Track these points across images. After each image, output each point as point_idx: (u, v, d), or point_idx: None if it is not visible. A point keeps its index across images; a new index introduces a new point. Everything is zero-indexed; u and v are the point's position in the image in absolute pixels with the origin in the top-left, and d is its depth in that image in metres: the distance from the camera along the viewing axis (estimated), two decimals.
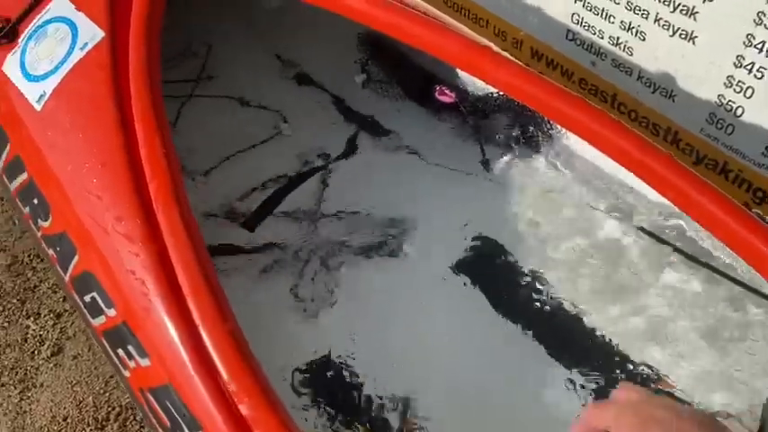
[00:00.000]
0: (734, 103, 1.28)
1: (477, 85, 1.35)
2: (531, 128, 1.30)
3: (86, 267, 0.99)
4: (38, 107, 1.07)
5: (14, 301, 2.02)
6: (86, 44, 1.07)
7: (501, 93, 1.29)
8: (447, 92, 1.32)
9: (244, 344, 0.86)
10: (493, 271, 1.26)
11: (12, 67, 1.12)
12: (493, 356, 1.19)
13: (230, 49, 1.45)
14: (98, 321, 0.99)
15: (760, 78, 1.20)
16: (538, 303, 1.25)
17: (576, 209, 1.29)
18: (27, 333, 1.96)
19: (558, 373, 1.17)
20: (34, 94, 1.08)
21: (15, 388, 1.86)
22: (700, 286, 1.18)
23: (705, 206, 0.93)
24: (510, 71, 1.07)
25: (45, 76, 1.08)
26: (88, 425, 1.80)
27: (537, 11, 1.59)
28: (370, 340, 1.19)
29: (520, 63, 1.11)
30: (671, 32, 1.36)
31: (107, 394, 1.85)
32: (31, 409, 1.83)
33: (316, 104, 1.53)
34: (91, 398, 1.84)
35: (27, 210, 1.09)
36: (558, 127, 1.29)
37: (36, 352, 1.93)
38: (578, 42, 1.52)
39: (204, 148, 1.44)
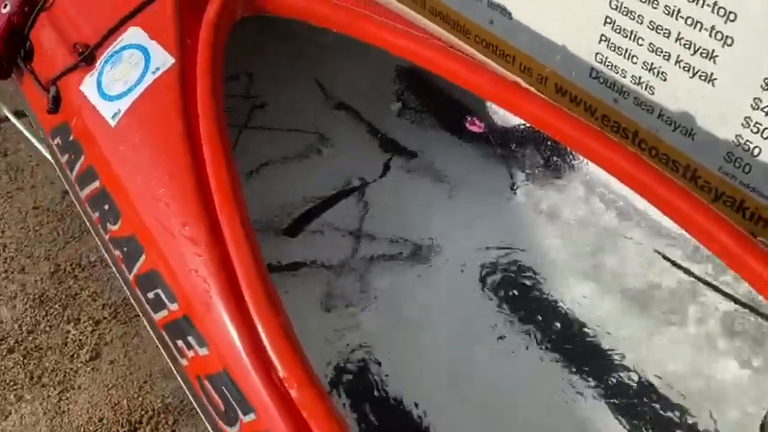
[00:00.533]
0: (751, 143, 1.37)
1: (505, 118, 1.46)
2: (555, 158, 1.41)
3: (152, 266, 1.10)
4: (112, 123, 1.20)
5: (56, 306, 2.13)
6: (158, 69, 1.20)
7: (527, 124, 1.40)
8: (477, 122, 1.43)
9: (294, 336, 0.96)
10: (518, 287, 1.35)
11: (89, 87, 1.25)
12: (515, 366, 1.28)
13: (272, 78, 1.57)
14: (160, 315, 1.10)
15: None
16: (558, 324, 1.34)
17: (596, 232, 1.38)
18: (67, 337, 2.06)
19: (578, 384, 1.25)
20: (109, 111, 1.21)
21: (55, 389, 1.96)
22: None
23: (720, 240, 1.02)
24: (536, 105, 1.18)
25: (120, 96, 1.20)
26: (122, 426, 1.89)
27: (562, 49, 1.71)
28: (398, 345, 1.29)
29: (545, 98, 1.23)
30: (691, 74, 1.46)
31: (140, 398, 1.94)
32: (69, 410, 1.92)
33: (353, 131, 1.66)
34: (125, 401, 1.93)
35: (96, 214, 1.21)
36: (580, 157, 1.40)
37: (75, 356, 2.03)
38: (601, 80, 1.63)
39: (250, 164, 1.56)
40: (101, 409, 1.92)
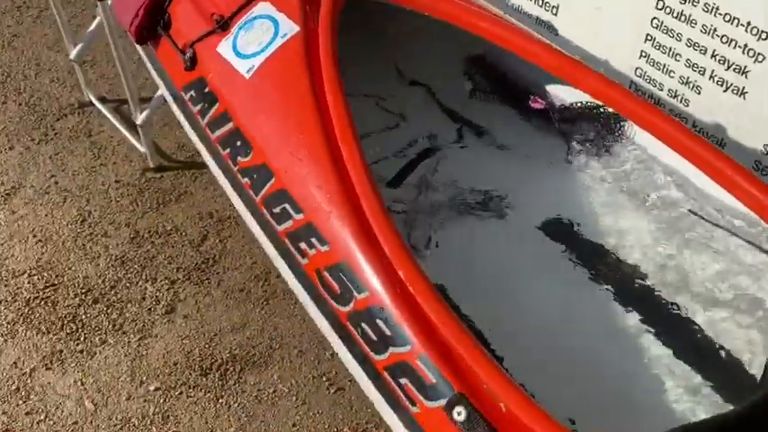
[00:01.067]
0: None
1: (562, 97, 1.73)
2: (606, 132, 1.67)
3: (281, 186, 1.35)
4: (246, 76, 1.46)
5: (135, 266, 2.37)
6: (286, 34, 1.47)
7: (582, 102, 1.66)
8: (539, 100, 1.69)
9: (396, 231, 1.20)
10: (574, 238, 1.59)
11: (225, 48, 1.52)
12: (572, 306, 1.49)
13: (353, 62, 1.83)
14: (284, 226, 1.34)
15: None
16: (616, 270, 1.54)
17: (639, 195, 1.63)
18: (145, 293, 2.29)
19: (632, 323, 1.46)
20: (244, 67, 1.47)
21: (134, 336, 2.18)
22: None
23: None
24: (596, 79, 1.45)
25: (254, 55, 1.47)
26: (194, 371, 2.10)
27: (604, 63, 1.96)
28: (463, 280, 1.51)
29: (603, 74, 1.49)
30: (724, 88, 1.67)
31: (210, 349, 2.16)
32: (147, 354, 2.14)
33: (428, 107, 1.93)
34: (197, 350, 2.15)
35: (227, 150, 1.46)
36: (628, 132, 1.66)
37: (152, 309, 2.26)
38: (640, 93, 1.87)
39: None
40: (175, 356, 2.14)
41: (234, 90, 1.48)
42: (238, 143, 1.44)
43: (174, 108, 1.68)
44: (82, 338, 2.17)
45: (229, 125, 1.46)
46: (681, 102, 1.83)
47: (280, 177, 1.36)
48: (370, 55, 1.85)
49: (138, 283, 2.32)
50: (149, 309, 2.26)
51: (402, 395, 1.12)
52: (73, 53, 2.72)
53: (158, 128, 2.76)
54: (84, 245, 2.42)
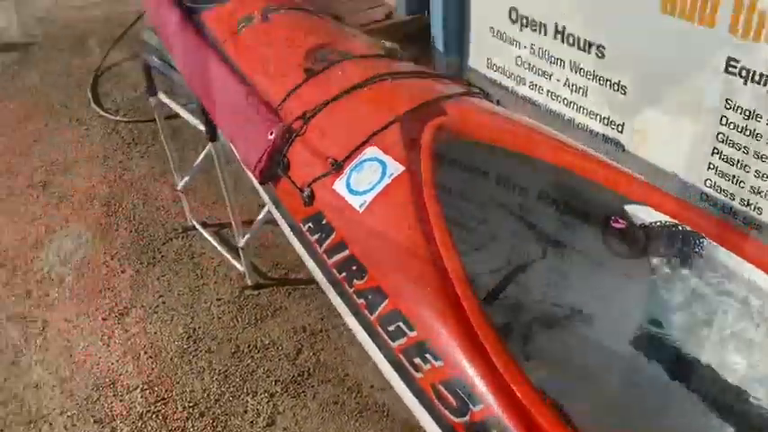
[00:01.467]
0: None
1: (640, 217, 1.89)
2: (685, 248, 1.81)
3: (394, 307, 1.52)
4: (360, 210, 1.69)
5: (237, 380, 2.54)
6: (392, 174, 1.70)
7: (662, 221, 1.82)
8: (620, 221, 1.86)
9: (506, 349, 1.35)
10: (660, 348, 1.71)
11: (340, 186, 1.76)
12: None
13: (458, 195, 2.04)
14: (398, 342, 1.50)
15: None
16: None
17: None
18: (247, 406, 2.45)
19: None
20: (357, 202, 1.70)
21: None
22: None
23: None
24: (672, 202, 1.62)
25: (365, 192, 1.70)
26: None
27: (673, 176, 2.13)
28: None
29: (677, 197, 1.66)
30: None
31: None
32: None
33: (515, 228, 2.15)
34: None
35: (343, 274, 1.66)
36: (706, 248, 1.79)
37: (254, 422, 2.40)
38: (712, 203, 2.02)
39: None
40: None
41: (349, 222, 1.69)
42: (354, 268, 1.63)
43: (293, 239, 1.90)
44: None
45: (345, 252, 1.67)
46: (754, 210, 1.96)
47: (393, 298, 1.54)
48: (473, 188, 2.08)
49: (239, 396, 2.48)
50: (251, 422, 2.40)
51: None
52: (180, 183, 3.05)
53: (253, 248, 3.01)
54: (190, 360, 2.62)
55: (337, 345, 2.63)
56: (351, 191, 1.73)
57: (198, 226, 3.14)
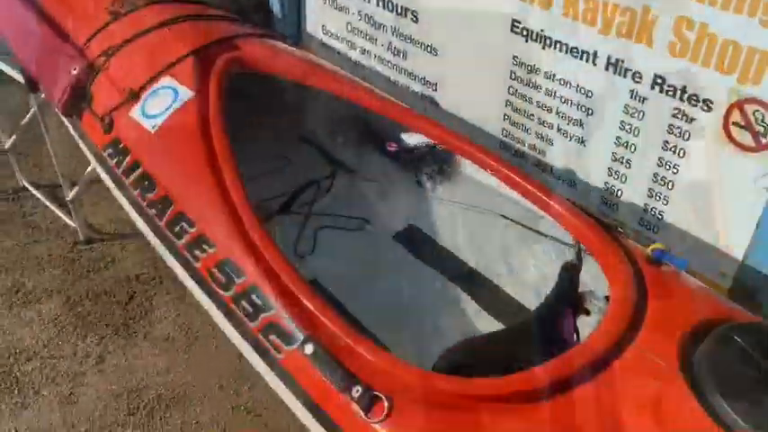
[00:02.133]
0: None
1: (410, 141, 2.19)
2: (445, 165, 2.12)
3: (179, 210, 1.69)
4: (152, 131, 1.83)
5: (68, 327, 2.59)
6: (183, 99, 1.86)
7: (426, 144, 2.13)
8: (393, 144, 2.13)
9: (263, 228, 1.57)
10: (421, 243, 2.00)
11: (136, 112, 1.89)
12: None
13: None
14: (183, 240, 1.66)
15: None
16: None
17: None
18: (77, 348, 2.51)
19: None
20: (150, 125, 1.84)
21: (66, 386, 2.37)
22: None
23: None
24: (438, 128, 1.92)
25: (157, 115, 1.84)
26: (122, 411, 2.30)
27: (479, 129, 2.42)
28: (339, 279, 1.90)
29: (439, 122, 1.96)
30: (568, 139, 2.13)
31: (138, 391, 2.37)
32: (78, 401, 2.33)
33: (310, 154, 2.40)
34: (125, 393, 2.36)
35: (137, 191, 1.79)
36: (461, 163, 2.12)
37: (83, 362, 2.47)
38: (509, 150, 2.33)
39: None
40: (104, 400, 2.34)
41: (142, 143, 1.83)
42: (146, 183, 1.78)
43: (98, 168, 2.02)
44: (16, 392, 2.36)
45: (139, 170, 1.81)
46: (539, 153, 2.27)
47: (177, 205, 1.70)
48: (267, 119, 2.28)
49: (69, 340, 2.54)
50: (81, 361, 2.47)
51: (271, 348, 1.43)
52: (8, 143, 3.04)
53: (88, 206, 3.05)
54: (18, 312, 2.64)
55: (170, 290, 2.74)
56: (145, 115, 1.87)
57: (28, 185, 3.14)
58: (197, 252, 1.62)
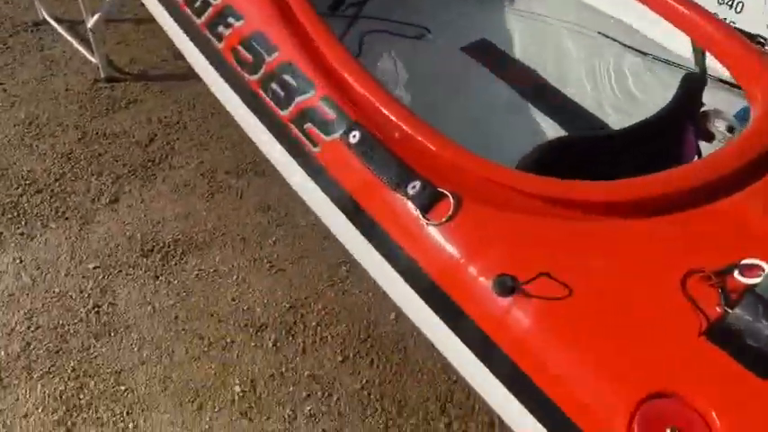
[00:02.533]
0: None
1: None
2: None
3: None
4: None
5: (82, 162, 2.37)
6: None
7: None
8: None
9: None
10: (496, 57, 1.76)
11: None
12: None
13: None
14: (204, 17, 1.38)
15: None
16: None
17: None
18: (90, 186, 2.30)
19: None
20: None
21: (76, 221, 2.18)
22: None
23: None
24: None
25: None
26: (135, 252, 2.10)
27: None
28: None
29: None
30: None
31: (153, 234, 2.16)
32: (88, 237, 2.14)
33: None
34: (139, 235, 2.15)
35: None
36: None
37: (96, 199, 2.26)
38: None
39: None
40: (116, 239, 2.14)
41: None
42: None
43: None
44: (23, 223, 2.17)
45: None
46: None
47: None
48: None
49: (83, 177, 2.33)
50: (93, 199, 2.26)
51: (306, 140, 1.15)
52: None
53: (111, 45, 2.79)
54: (30, 144, 2.43)
55: (193, 136, 2.50)
56: None
57: (49, 19, 2.87)
58: (220, 28, 1.33)
